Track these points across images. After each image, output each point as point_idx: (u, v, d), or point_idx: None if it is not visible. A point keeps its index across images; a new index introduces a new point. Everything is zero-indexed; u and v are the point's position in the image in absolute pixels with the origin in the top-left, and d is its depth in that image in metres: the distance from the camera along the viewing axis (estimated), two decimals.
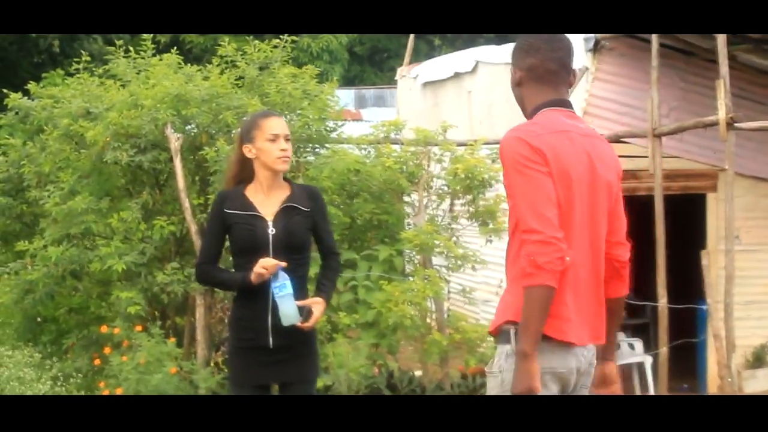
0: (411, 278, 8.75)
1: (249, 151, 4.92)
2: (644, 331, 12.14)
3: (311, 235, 5.02)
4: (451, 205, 9.36)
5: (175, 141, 8.82)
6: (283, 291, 4.75)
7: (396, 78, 17.46)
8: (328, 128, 9.26)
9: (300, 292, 4.88)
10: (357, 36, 34.79)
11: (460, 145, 9.71)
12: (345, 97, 24.16)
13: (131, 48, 10.11)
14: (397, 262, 8.92)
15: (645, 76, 11.11)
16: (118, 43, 9.97)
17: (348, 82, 33.37)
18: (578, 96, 11.37)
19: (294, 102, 9.18)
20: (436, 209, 9.34)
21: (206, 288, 8.72)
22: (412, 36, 17.51)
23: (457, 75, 14.55)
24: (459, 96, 14.62)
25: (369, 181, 8.95)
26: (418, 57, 34.59)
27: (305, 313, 4.85)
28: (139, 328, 8.58)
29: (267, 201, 4.94)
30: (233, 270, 5.06)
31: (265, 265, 4.73)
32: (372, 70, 37.42)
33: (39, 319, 9.98)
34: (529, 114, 3.92)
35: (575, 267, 3.70)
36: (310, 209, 4.96)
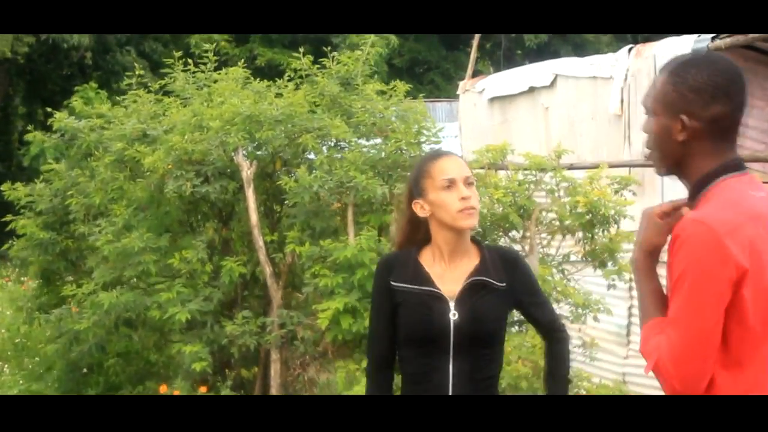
0: (523, 330, 7.45)
1: (421, 208, 3.61)
2: None
3: (506, 321, 3.67)
4: (562, 241, 8.08)
5: (247, 169, 7.58)
6: None
7: (458, 92, 16.17)
8: (424, 153, 7.90)
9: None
10: (396, 47, 33.65)
11: (569, 168, 8.47)
12: None
13: (190, 61, 8.89)
14: None
15: (763, 92, 9.86)
16: (176, 54, 8.73)
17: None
18: None
19: (384, 123, 7.92)
20: (546, 247, 8.04)
21: (283, 340, 7.49)
22: (474, 47, 16.26)
23: (531, 89, 13.36)
24: (534, 112, 13.45)
25: None
26: (459, 70, 33.57)
27: None
28: (203, 388, 7.35)
29: (449, 272, 3.58)
30: (403, 361, 3.62)
31: None
32: (411, 83, 36.20)
33: (84, 369, 8.73)
34: (694, 182, 2.74)
35: None
36: (507, 284, 3.59)
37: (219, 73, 8.72)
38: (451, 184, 3.53)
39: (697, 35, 10.23)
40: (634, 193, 8.07)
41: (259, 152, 8.00)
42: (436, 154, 3.75)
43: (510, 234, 7.86)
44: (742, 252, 2.54)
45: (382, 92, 8.27)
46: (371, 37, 8.61)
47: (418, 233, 3.66)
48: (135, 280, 7.85)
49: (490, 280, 3.56)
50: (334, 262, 7.07)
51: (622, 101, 11.33)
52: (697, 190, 2.72)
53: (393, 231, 3.96)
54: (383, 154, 7.63)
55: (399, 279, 3.58)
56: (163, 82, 8.81)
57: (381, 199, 7.34)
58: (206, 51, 8.79)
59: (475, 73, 16.29)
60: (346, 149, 7.85)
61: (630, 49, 11.39)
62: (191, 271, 7.57)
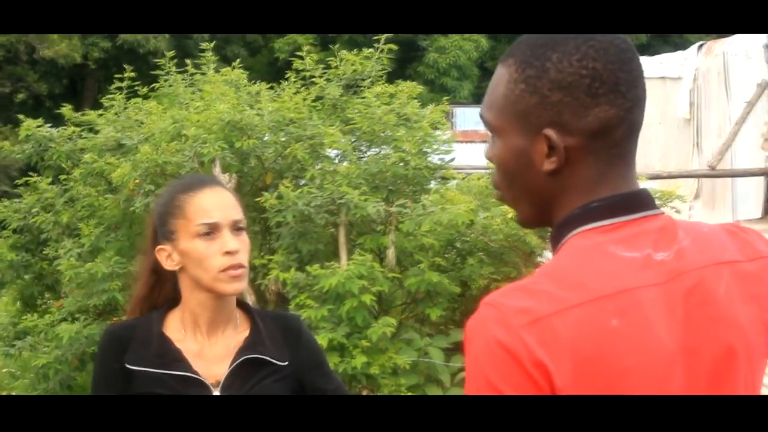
0: None
1: (168, 257, 2.48)
2: None
3: None
4: None
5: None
6: None
7: None
8: (430, 165, 6.83)
9: None
10: (487, 50, 32.69)
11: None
12: (475, 115, 21.92)
13: (188, 62, 8.00)
14: None
15: None
16: (168, 54, 7.83)
17: (478, 99, 31.28)
18: (757, 120, 8.89)
19: (386, 130, 6.90)
20: None
21: None
22: None
23: None
24: None
25: (486, 235, 6.59)
26: None
27: None
28: None
29: (208, 348, 2.50)
30: None
31: None
32: None
33: None
34: (554, 230, 1.59)
35: None
36: (289, 362, 2.52)
37: (214, 75, 7.80)
38: (212, 230, 2.43)
39: None
40: (677, 211, 6.89)
41: (249, 164, 7.05)
42: (195, 184, 2.54)
43: (532, 257, 6.77)
44: (548, 355, 1.40)
45: (391, 96, 7.23)
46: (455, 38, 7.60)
47: (162, 289, 2.54)
48: (103, 310, 6.96)
49: (267, 357, 2.48)
50: (320, 290, 6.11)
51: (691, 104, 10.13)
52: (553, 248, 1.63)
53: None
54: (384, 165, 6.62)
55: (138, 360, 2.44)
56: (156, 85, 7.92)
57: (377, 218, 6.35)
58: (203, 50, 7.87)
59: None
60: (344, 160, 6.86)
61: (700, 47, 10.18)
62: None
